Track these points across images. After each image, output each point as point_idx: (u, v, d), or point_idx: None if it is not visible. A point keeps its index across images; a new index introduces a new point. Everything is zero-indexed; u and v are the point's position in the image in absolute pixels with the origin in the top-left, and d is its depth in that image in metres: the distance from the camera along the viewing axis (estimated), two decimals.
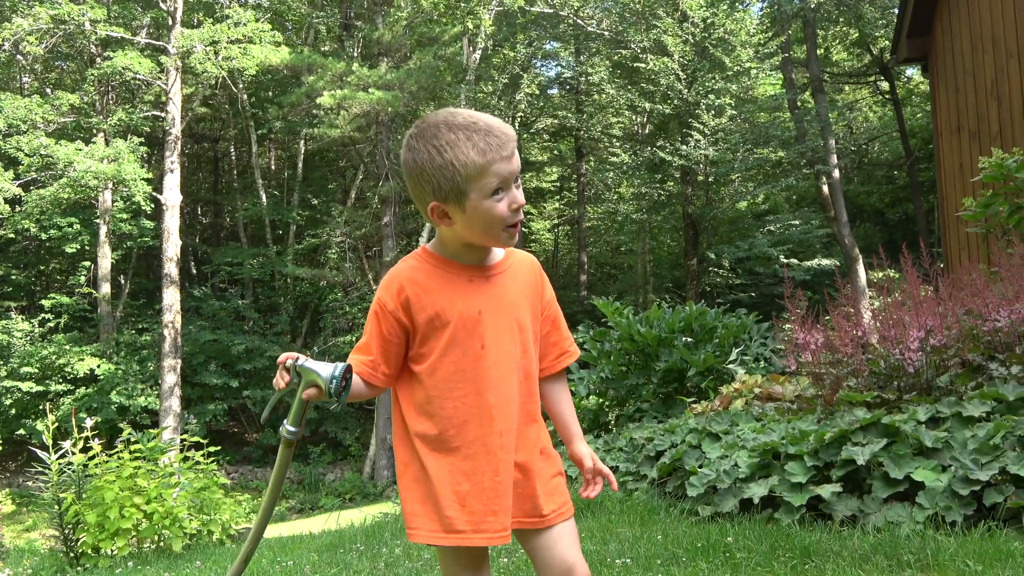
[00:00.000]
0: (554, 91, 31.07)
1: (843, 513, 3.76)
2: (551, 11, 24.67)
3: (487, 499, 1.88)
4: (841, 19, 23.60)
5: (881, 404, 4.52)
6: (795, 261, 23.49)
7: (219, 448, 7.72)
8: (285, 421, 1.92)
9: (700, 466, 4.64)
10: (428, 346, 1.92)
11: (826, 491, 3.81)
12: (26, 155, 19.77)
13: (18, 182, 20.33)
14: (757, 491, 4.09)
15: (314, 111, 21.73)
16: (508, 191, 1.87)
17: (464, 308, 1.91)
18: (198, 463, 6.86)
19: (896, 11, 16.12)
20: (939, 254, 9.45)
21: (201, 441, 7.21)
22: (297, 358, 1.85)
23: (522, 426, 1.95)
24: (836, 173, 20.73)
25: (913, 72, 25.41)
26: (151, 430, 7.25)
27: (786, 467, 4.05)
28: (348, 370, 1.83)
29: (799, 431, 4.26)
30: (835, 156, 21.01)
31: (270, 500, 2.04)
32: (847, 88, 29.79)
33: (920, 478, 3.60)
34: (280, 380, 1.86)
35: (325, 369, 1.81)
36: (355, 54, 23.80)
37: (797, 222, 25.19)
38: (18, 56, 22.32)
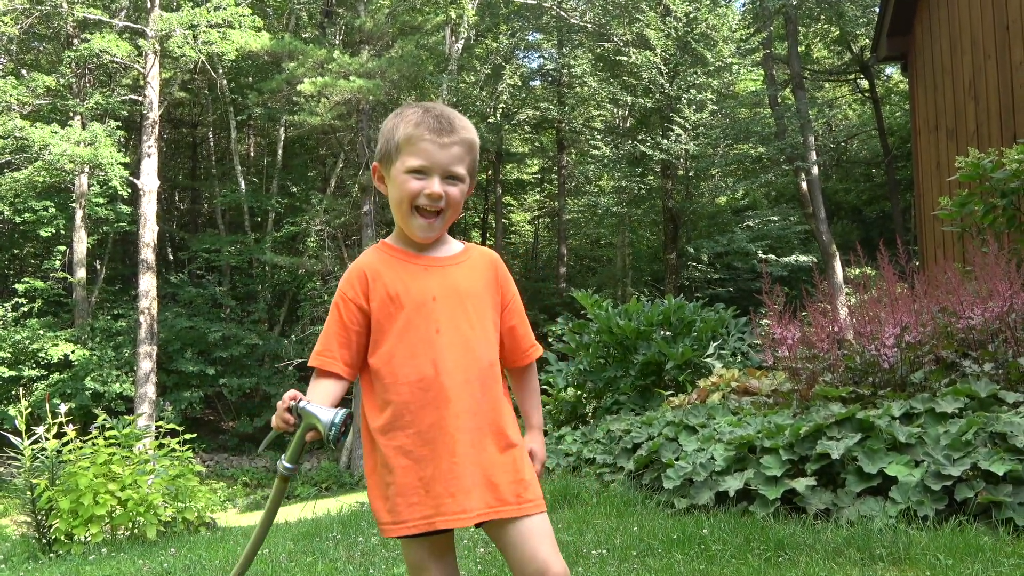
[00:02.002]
0: (536, 83, 31.04)
1: (817, 507, 3.80)
2: (534, 2, 24.63)
3: (445, 481, 1.90)
4: (822, 16, 23.75)
5: (856, 399, 4.57)
6: (773, 257, 23.62)
7: (195, 436, 7.67)
8: (283, 456, 1.94)
9: (677, 459, 4.68)
10: (382, 331, 1.97)
11: (801, 485, 3.85)
12: (0, 137, 19.49)
13: None
14: (732, 484, 4.13)
15: (294, 98, 21.55)
16: (429, 177, 1.94)
17: (418, 293, 1.97)
18: (173, 450, 6.82)
19: (877, 10, 16.22)
20: (915, 252, 9.54)
21: (177, 428, 7.17)
22: (299, 399, 1.88)
23: (487, 412, 1.96)
24: (815, 170, 20.87)
25: (892, 71, 25.60)
26: (126, 417, 7.19)
27: (761, 460, 4.09)
28: (349, 416, 1.86)
29: (775, 425, 4.29)
30: (814, 153, 21.14)
31: (261, 530, 2.03)
32: (827, 85, 29.98)
33: (893, 473, 3.65)
34: (281, 421, 1.89)
35: (325, 415, 1.84)
36: (336, 41, 23.64)
37: (776, 218, 25.33)
38: None
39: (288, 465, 1.93)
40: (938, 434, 3.73)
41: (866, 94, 26.42)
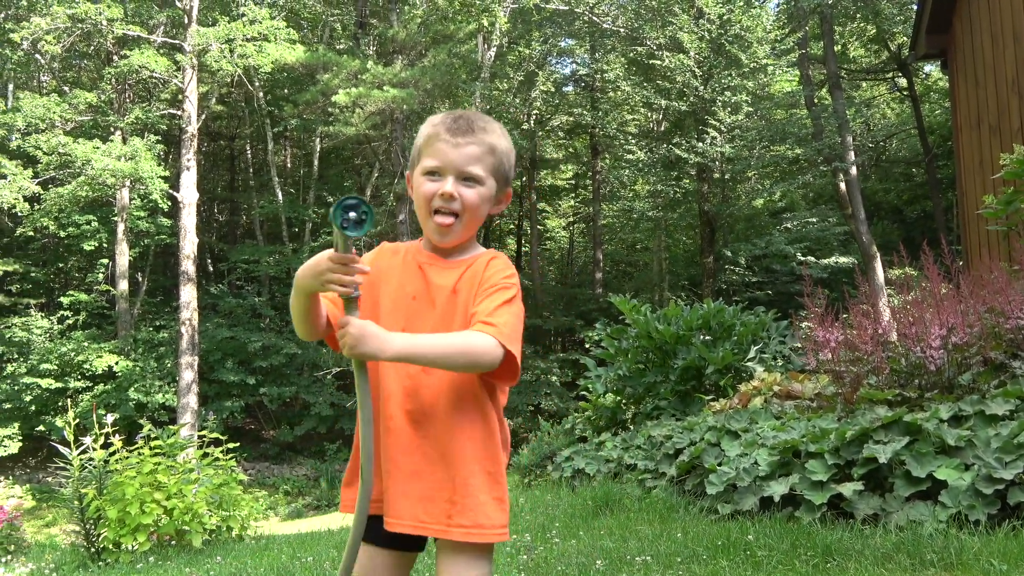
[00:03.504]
0: (569, 88, 31.02)
1: (865, 512, 3.74)
2: (566, 8, 24.61)
3: (382, 481, 1.86)
4: (859, 15, 23.44)
5: (902, 402, 4.49)
6: (812, 259, 23.35)
7: (237, 445, 7.75)
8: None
9: (719, 464, 4.63)
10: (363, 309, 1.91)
11: (847, 489, 3.79)
12: (45, 153, 19.93)
13: (37, 180, 20.50)
14: (777, 489, 4.08)
15: (329, 109, 21.77)
16: (444, 177, 1.89)
17: (399, 288, 1.92)
18: (217, 459, 6.91)
19: (915, 7, 16.01)
20: (959, 251, 9.38)
21: (220, 438, 7.25)
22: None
23: (442, 416, 1.84)
24: (853, 170, 20.59)
25: (932, 68, 25.21)
26: (171, 426, 7.29)
27: (807, 465, 4.04)
28: (355, 204, 1.67)
29: (819, 429, 4.24)
30: (852, 153, 20.85)
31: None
32: (864, 85, 29.59)
33: (943, 477, 3.58)
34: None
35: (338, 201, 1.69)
36: (370, 52, 23.85)
37: (814, 220, 25.04)
38: (37, 55, 22.48)
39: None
40: (988, 437, 3.66)
41: (904, 92, 26.03)
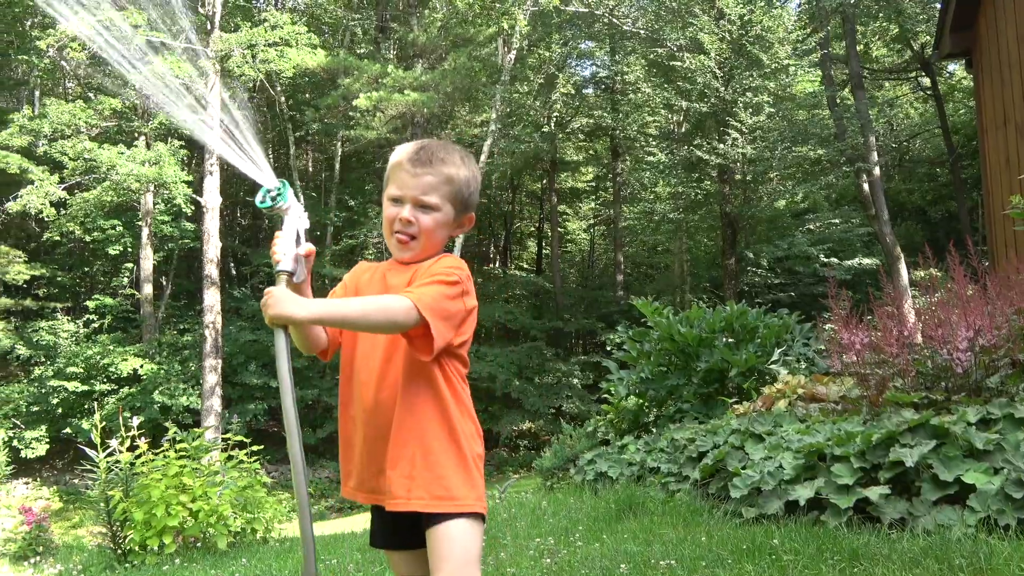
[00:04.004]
0: (589, 90, 30.98)
1: (892, 516, 3.70)
2: (586, 10, 24.60)
3: (351, 463, 2.08)
4: (881, 14, 23.23)
5: (929, 405, 4.45)
6: (835, 260, 23.19)
7: (261, 447, 7.80)
8: None
9: (744, 467, 4.61)
10: None
11: (874, 493, 3.76)
12: (70, 159, 20.16)
13: (63, 185, 20.73)
14: (803, 493, 4.05)
15: (350, 113, 21.87)
16: (403, 204, 2.08)
17: (368, 293, 2.11)
18: (241, 462, 6.95)
19: (938, 6, 15.86)
20: (985, 252, 9.27)
21: (244, 440, 7.30)
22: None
23: (402, 400, 1.99)
24: (877, 171, 20.39)
25: (955, 67, 24.96)
26: (195, 429, 7.35)
27: (832, 469, 4.00)
28: (277, 186, 2.07)
29: (845, 432, 4.20)
30: (875, 153, 20.65)
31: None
32: (887, 84, 29.34)
33: (971, 480, 3.54)
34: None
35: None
36: (391, 56, 23.93)
37: (837, 221, 24.85)
38: (62, 62, 22.72)
39: None
40: (1018, 440, 3.61)
41: (928, 92, 25.79)
